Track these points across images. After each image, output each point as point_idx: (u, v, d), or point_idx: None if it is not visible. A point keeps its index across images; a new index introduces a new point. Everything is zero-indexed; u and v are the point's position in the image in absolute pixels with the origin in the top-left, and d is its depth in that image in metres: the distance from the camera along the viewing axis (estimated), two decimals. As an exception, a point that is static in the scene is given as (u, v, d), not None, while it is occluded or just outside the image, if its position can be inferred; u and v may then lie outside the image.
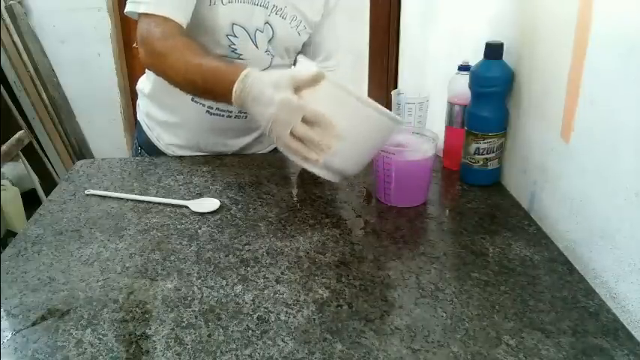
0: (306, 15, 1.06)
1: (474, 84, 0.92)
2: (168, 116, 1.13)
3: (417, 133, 0.93)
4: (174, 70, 0.89)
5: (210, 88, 0.84)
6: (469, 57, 0.97)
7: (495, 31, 1.01)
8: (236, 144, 1.17)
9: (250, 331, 0.62)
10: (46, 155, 2.41)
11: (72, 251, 0.79)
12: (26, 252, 0.79)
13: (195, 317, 0.65)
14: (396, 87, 2.28)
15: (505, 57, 0.90)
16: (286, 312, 0.65)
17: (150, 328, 0.63)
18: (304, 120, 0.75)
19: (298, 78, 0.76)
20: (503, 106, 0.94)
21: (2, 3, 2.26)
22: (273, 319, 0.64)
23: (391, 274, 0.73)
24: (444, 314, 0.64)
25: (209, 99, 0.99)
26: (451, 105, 1.00)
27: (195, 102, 1.07)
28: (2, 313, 0.66)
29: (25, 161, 1.82)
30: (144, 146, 1.21)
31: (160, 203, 0.92)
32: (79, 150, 2.59)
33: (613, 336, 0.61)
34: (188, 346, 0.60)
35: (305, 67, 0.80)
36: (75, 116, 2.62)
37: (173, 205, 0.91)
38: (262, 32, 1.01)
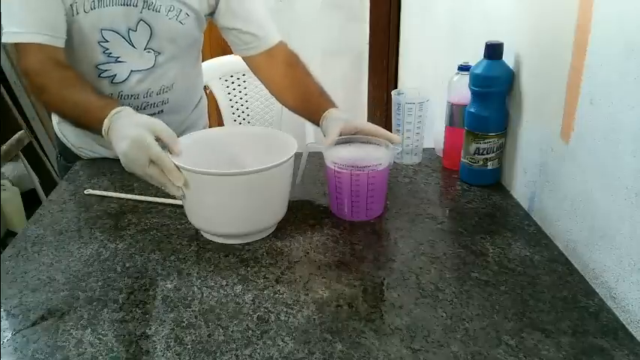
0: (185, 1, 0.98)
1: (473, 84, 0.92)
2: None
3: (372, 143, 0.87)
4: (52, 105, 0.95)
5: (87, 125, 0.88)
6: (469, 57, 0.97)
7: (495, 31, 1.00)
8: None
9: (250, 331, 0.62)
10: (46, 155, 2.41)
11: (72, 251, 0.79)
12: (26, 252, 0.79)
13: (195, 317, 0.65)
14: (396, 87, 2.28)
15: (505, 57, 0.90)
16: (286, 312, 0.65)
17: (150, 328, 0.63)
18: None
19: (159, 129, 0.78)
20: (504, 106, 0.94)
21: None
22: (273, 319, 0.64)
23: (391, 274, 0.73)
24: (444, 314, 0.64)
25: (91, 132, 0.96)
26: (451, 105, 1.00)
27: None
28: (2, 313, 0.66)
29: (25, 161, 1.82)
30: (63, 154, 1.18)
31: (159, 203, 0.92)
32: (79, 150, 2.59)
33: (613, 336, 0.61)
34: (188, 346, 0.60)
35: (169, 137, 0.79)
36: (75, 116, 2.61)
37: (173, 205, 0.91)
38: (136, 31, 0.98)
